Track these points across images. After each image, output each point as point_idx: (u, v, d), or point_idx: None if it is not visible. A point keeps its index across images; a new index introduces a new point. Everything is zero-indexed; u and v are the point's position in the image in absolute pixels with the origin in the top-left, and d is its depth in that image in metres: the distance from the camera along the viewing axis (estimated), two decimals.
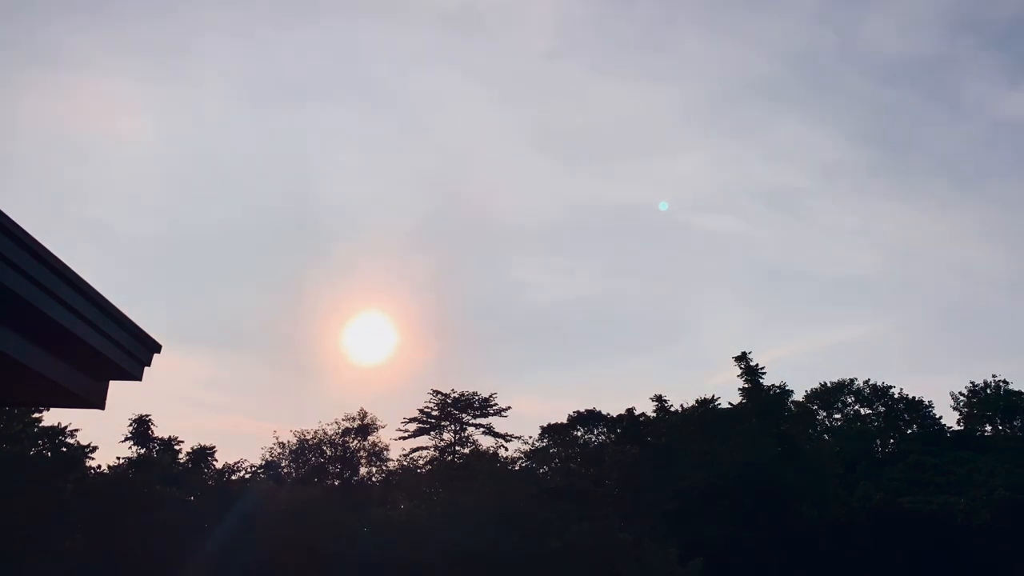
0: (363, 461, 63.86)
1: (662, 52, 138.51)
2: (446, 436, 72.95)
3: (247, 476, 59.28)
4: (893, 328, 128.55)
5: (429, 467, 68.10)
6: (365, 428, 63.11)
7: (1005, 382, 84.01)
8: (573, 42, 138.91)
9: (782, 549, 58.76)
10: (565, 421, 77.65)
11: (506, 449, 71.03)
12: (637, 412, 74.80)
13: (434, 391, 72.94)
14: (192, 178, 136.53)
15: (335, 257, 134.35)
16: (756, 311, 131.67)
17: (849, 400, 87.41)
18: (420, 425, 72.72)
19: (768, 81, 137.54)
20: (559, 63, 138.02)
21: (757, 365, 71.25)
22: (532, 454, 74.96)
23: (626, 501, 62.41)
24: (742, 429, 66.22)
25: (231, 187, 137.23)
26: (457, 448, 71.40)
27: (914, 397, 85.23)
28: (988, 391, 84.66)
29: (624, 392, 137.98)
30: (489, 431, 73.01)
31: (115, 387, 7.10)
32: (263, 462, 61.68)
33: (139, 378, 6.94)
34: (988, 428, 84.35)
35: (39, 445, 50.20)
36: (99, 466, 52.46)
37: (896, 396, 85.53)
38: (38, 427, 50.10)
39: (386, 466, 64.99)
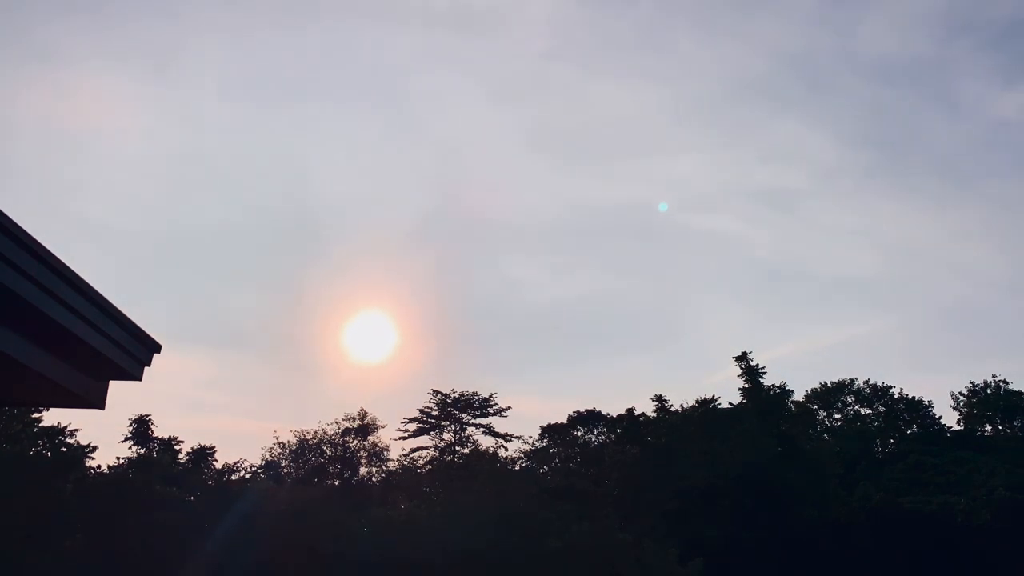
0: (363, 461, 63.87)
1: (660, 52, 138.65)
2: (446, 436, 73.00)
3: (247, 476, 59.28)
4: (893, 328, 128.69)
5: (429, 467, 68.09)
6: (365, 428, 63.11)
7: (1005, 382, 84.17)
8: (571, 42, 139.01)
9: (782, 549, 58.76)
10: (565, 421, 77.70)
11: (506, 449, 71.13)
12: (637, 412, 74.90)
13: (434, 391, 73.03)
14: (191, 177, 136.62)
15: (335, 257, 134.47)
16: (756, 311, 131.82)
17: (849, 400, 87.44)
18: (420, 425, 72.75)
19: (767, 81, 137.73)
20: (557, 63, 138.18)
21: (757, 365, 71.35)
22: (532, 454, 74.97)
23: (626, 501, 62.41)
24: (742, 429, 66.22)
25: (230, 187, 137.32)
26: (457, 448, 71.40)
27: (914, 397, 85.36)
28: (988, 391, 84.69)
29: (624, 392, 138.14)
30: (489, 431, 73.07)
31: (115, 387, 7.10)
32: (263, 462, 61.72)
33: (139, 378, 6.94)
34: (988, 428, 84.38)
35: (39, 445, 50.18)
36: (99, 466, 52.53)
37: (896, 396, 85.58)
38: (38, 427, 50.08)
39: (386, 466, 65.06)
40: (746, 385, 70.97)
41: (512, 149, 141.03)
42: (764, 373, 71.22)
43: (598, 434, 77.54)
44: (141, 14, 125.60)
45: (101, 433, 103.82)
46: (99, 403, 7.00)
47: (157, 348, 6.92)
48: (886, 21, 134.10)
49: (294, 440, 62.42)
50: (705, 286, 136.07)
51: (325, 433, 62.69)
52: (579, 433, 77.64)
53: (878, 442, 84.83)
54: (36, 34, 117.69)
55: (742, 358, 71.26)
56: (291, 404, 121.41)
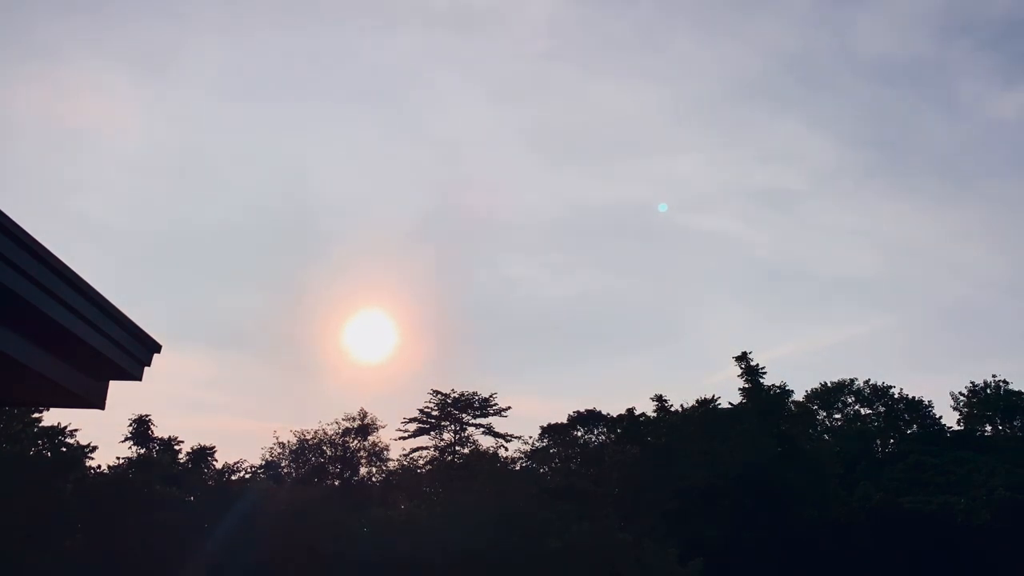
0: (363, 461, 63.87)
1: (660, 52, 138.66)
2: (446, 436, 73.00)
3: (247, 476, 59.28)
4: (893, 328, 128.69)
5: (429, 467, 68.07)
6: (365, 428, 63.11)
7: (1005, 382, 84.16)
8: (571, 42, 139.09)
9: (782, 549, 58.76)
10: (565, 421, 77.69)
11: (506, 449, 71.11)
12: (637, 412, 74.91)
13: (434, 391, 73.03)
14: (192, 177, 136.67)
15: (334, 257, 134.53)
16: (756, 311, 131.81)
17: (849, 400, 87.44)
18: (420, 425, 72.74)
19: (766, 81, 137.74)
20: (557, 63, 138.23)
21: (757, 365, 71.35)
22: (532, 454, 74.96)
23: (626, 501, 62.40)
24: (742, 429, 66.23)
25: (230, 186, 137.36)
26: (457, 448, 71.39)
27: (914, 397, 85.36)
28: (988, 391, 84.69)
29: (624, 392, 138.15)
30: (489, 431, 73.07)
31: (115, 387, 7.10)
32: (263, 462, 61.73)
33: (139, 378, 6.94)
34: (988, 428, 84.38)
35: (39, 445, 50.17)
36: (99, 466, 52.53)
37: (896, 396, 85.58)
38: (38, 427, 50.07)
39: (386, 466, 65.04)
40: (746, 385, 70.98)
41: (512, 149, 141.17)
42: (764, 373, 71.30)
43: (598, 434, 77.54)
44: (141, 14, 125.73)
45: (101, 433, 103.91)
46: (99, 403, 7.00)
47: (157, 348, 6.92)
48: (885, 21, 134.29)
49: (294, 440, 62.50)
50: (705, 286, 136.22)
51: (325, 433, 62.75)
52: (579, 433, 77.64)
53: (878, 442, 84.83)
54: (36, 33, 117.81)
55: (742, 358, 71.28)
56: (291, 404, 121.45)
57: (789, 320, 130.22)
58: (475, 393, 72.97)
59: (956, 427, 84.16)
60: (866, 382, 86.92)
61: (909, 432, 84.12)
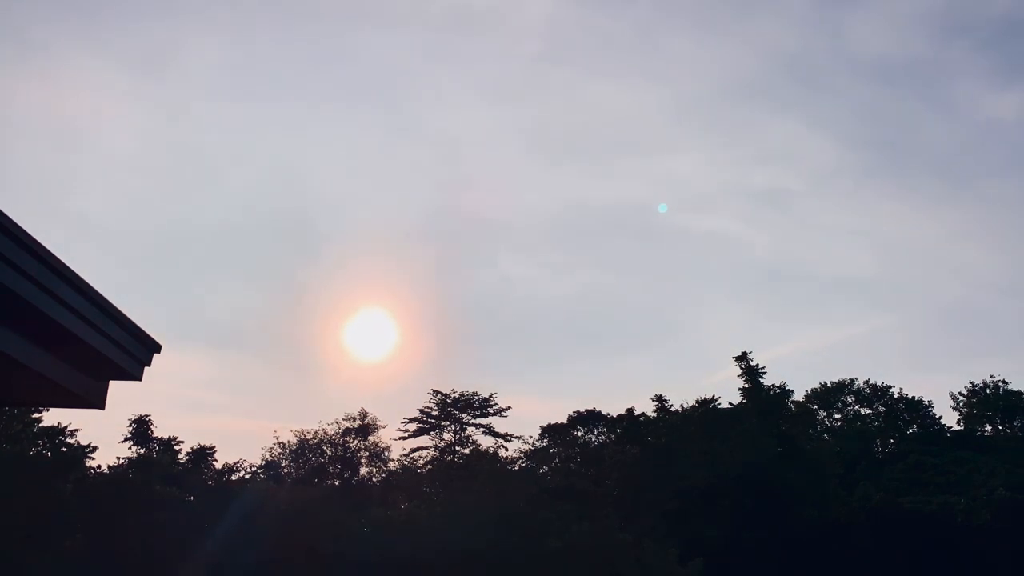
0: (363, 461, 63.88)
1: (659, 53, 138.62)
2: (446, 436, 73.01)
3: (247, 476, 59.28)
4: (892, 328, 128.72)
5: (429, 467, 68.06)
6: (365, 428, 63.12)
7: (1005, 382, 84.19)
8: (570, 42, 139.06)
9: (782, 549, 58.75)
10: (565, 421, 77.71)
11: (506, 449, 71.11)
12: (637, 412, 74.89)
13: (434, 391, 73.04)
14: (191, 177, 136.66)
15: (334, 256, 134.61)
16: (755, 311, 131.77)
17: (849, 400, 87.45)
18: (420, 425, 72.76)
19: (765, 81, 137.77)
20: (556, 63, 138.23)
21: (757, 365, 71.32)
22: (532, 454, 74.95)
23: (626, 501, 62.39)
24: (742, 429, 66.21)
25: (230, 186, 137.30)
26: (457, 448, 71.40)
27: (914, 397, 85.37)
28: (988, 391, 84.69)
29: (624, 392, 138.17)
30: (489, 431, 73.08)
31: (115, 387, 7.10)
32: (263, 462, 61.74)
33: (139, 378, 6.94)
34: (988, 428, 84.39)
35: (39, 445, 50.19)
36: (99, 466, 52.56)
37: (896, 396, 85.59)
38: (38, 427, 50.09)
39: (386, 466, 65.04)
40: (746, 385, 70.96)
41: (511, 149, 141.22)
42: (764, 373, 71.27)
43: (598, 434, 77.56)
44: (140, 13, 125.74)
45: (101, 433, 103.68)
46: (99, 403, 7.00)
47: (157, 348, 6.92)
48: (884, 21, 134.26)
49: (294, 440, 62.52)
50: (705, 286, 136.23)
51: (325, 433, 62.76)
52: (579, 433, 77.66)
53: (878, 442, 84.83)
54: (35, 33, 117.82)
55: (742, 358, 71.26)
56: (291, 404, 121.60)
57: (789, 320, 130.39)
58: (475, 393, 73.05)
59: (956, 427, 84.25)
60: (866, 382, 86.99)
61: (909, 432, 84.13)
